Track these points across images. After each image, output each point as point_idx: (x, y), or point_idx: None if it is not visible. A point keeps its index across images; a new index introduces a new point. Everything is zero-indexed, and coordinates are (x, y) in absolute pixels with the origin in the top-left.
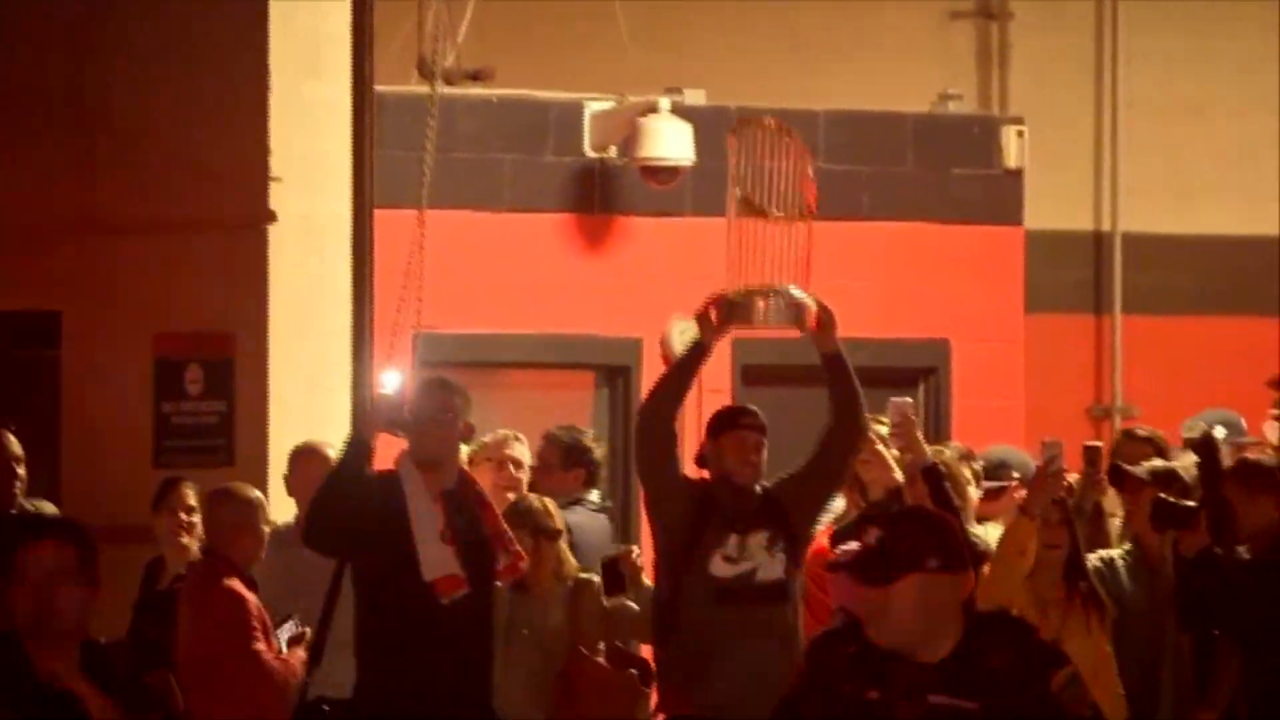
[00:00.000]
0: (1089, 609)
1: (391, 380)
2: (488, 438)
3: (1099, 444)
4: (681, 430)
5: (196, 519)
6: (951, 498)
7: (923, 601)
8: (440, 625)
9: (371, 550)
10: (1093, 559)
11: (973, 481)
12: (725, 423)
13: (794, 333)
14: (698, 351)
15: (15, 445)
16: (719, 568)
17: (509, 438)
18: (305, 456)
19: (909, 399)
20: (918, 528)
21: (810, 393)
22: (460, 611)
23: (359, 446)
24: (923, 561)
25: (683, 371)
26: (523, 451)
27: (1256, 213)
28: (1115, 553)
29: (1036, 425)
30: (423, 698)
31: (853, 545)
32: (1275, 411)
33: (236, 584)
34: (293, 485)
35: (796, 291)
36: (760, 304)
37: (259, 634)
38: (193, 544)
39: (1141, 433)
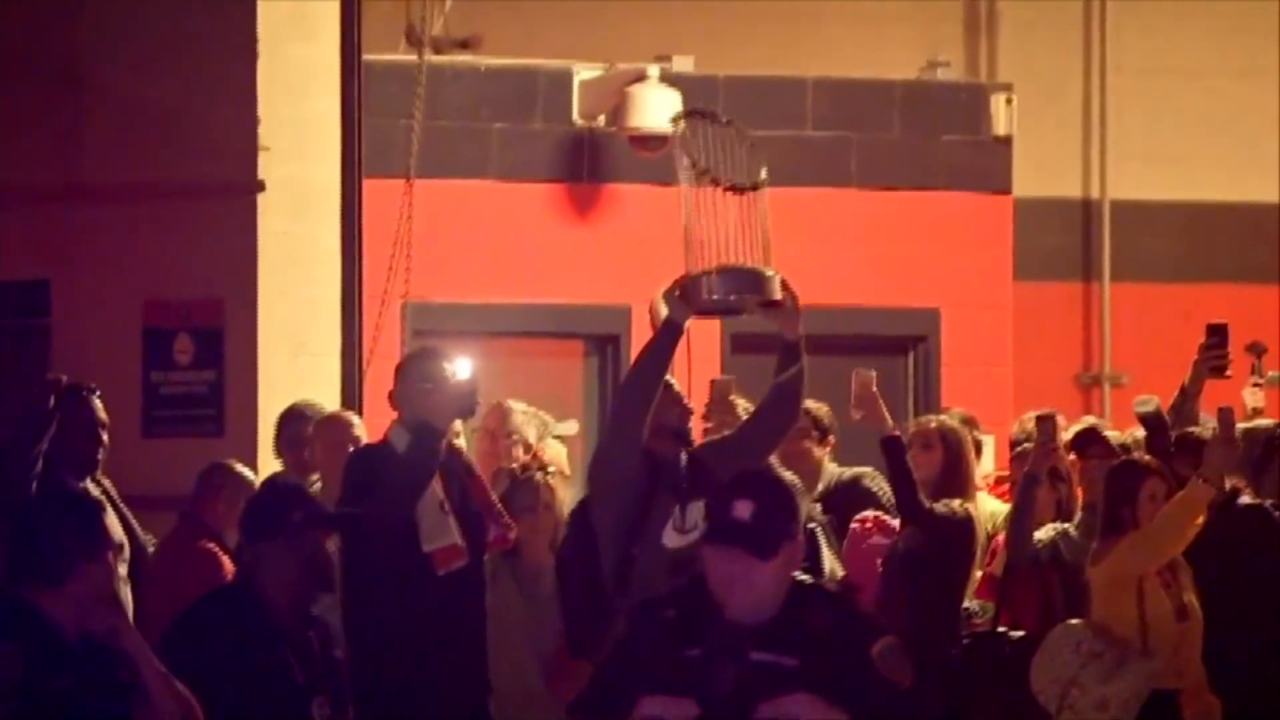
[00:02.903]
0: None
1: (464, 368)
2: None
3: (1053, 412)
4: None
5: None
6: (910, 470)
7: (787, 569)
8: (435, 597)
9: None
10: (1050, 530)
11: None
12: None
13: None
14: (673, 331)
15: (103, 410)
16: (671, 538)
17: (508, 409)
18: (330, 425)
19: (872, 370)
20: (783, 495)
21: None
22: (454, 583)
23: (438, 436)
24: (793, 530)
25: (659, 357)
26: (521, 423)
27: (1244, 179)
28: (1070, 525)
29: (1025, 393)
30: (416, 668)
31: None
32: (1254, 378)
33: (212, 546)
34: (317, 454)
35: (764, 270)
36: (724, 284)
37: None
38: None
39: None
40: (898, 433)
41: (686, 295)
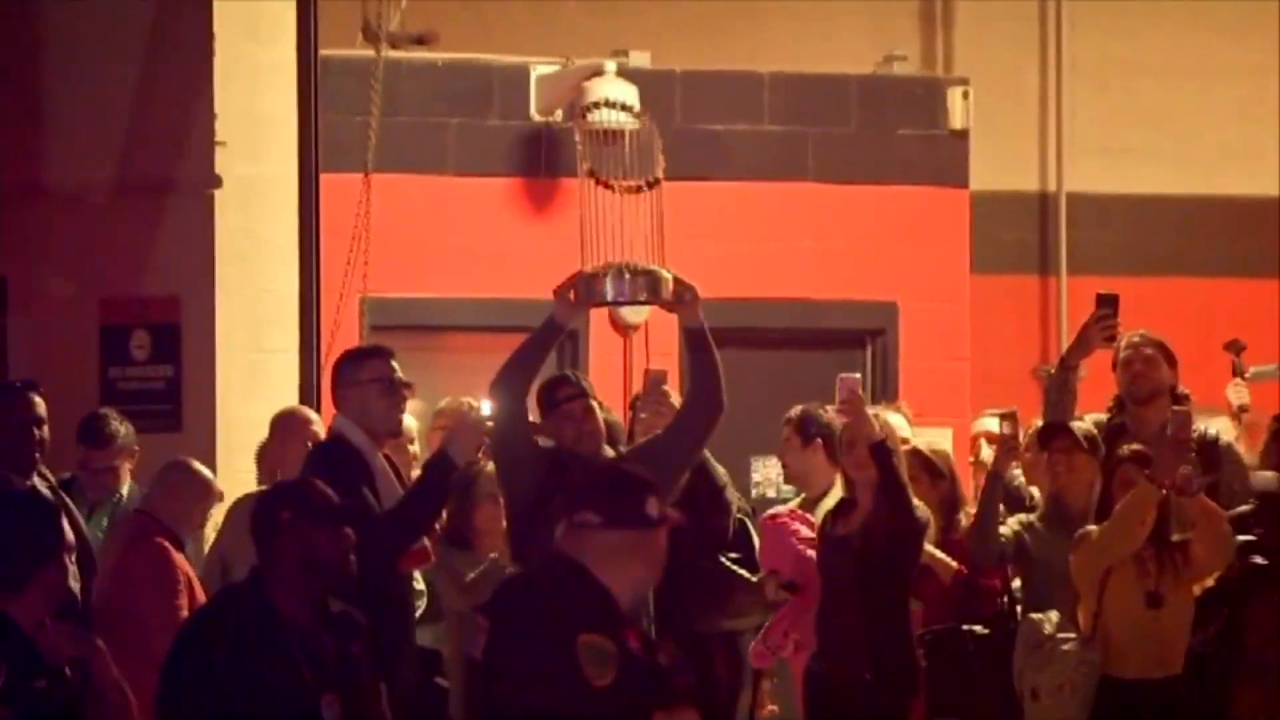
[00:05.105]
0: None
1: (487, 407)
2: (443, 403)
3: (1014, 409)
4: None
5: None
6: (900, 473)
7: None
8: (393, 593)
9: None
10: (1012, 523)
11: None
12: (547, 401)
13: (684, 301)
14: (551, 328)
15: (39, 407)
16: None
17: (467, 405)
18: (288, 421)
19: (857, 375)
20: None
21: (758, 355)
22: (405, 581)
23: (455, 470)
24: None
25: (534, 349)
26: None
27: (1199, 173)
28: (1032, 516)
29: (983, 386)
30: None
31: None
32: (1236, 379)
33: (166, 543)
34: (271, 451)
35: (654, 267)
36: (615, 282)
37: (182, 592)
38: None
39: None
40: (884, 437)
41: (578, 295)
